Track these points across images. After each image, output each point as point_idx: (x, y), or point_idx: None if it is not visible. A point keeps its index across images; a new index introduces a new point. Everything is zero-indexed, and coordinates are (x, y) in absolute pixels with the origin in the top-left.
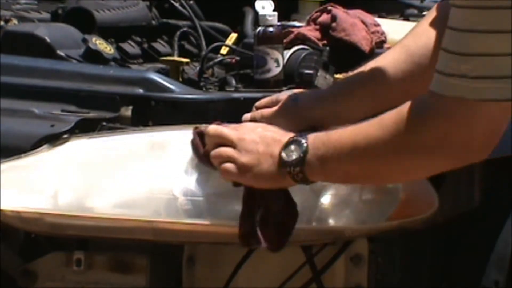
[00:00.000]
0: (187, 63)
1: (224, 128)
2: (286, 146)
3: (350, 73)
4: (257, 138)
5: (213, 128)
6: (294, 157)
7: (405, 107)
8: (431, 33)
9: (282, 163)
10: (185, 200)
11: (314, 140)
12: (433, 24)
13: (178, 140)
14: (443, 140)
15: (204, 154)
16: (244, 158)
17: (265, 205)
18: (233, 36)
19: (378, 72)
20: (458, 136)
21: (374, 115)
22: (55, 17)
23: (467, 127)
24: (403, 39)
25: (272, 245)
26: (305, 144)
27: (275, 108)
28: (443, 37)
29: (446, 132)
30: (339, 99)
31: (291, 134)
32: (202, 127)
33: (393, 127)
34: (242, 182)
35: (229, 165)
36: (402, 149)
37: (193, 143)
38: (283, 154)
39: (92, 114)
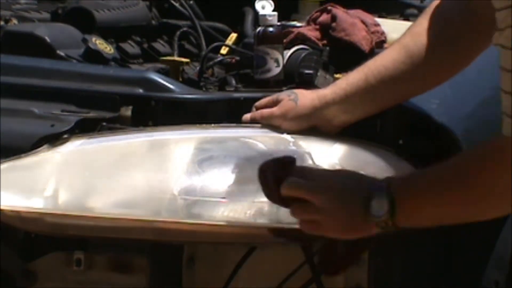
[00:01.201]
0: (187, 63)
1: (302, 183)
2: (368, 198)
3: (350, 73)
4: (337, 200)
5: (289, 184)
6: (384, 209)
7: (484, 149)
8: (431, 33)
9: (369, 219)
10: (185, 200)
11: (399, 190)
12: (431, 25)
13: (178, 140)
14: None
15: (279, 199)
16: (327, 225)
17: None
18: (233, 36)
19: (377, 72)
20: None
21: (374, 114)
22: (55, 17)
23: None
24: (402, 39)
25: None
26: (385, 192)
27: (275, 108)
28: (501, 81)
29: None
30: (339, 100)
31: (366, 179)
32: (278, 171)
33: (476, 176)
34: (325, 235)
35: (313, 224)
36: (484, 191)
37: (266, 183)
38: (369, 209)
39: (92, 114)
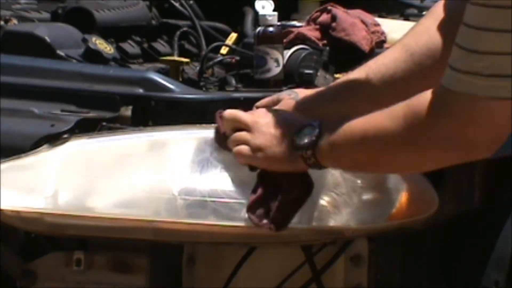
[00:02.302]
0: (187, 63)
1: (240, 112)
2: (299, 130)
3: (350, 72)
4: (271, 121)
5: (229, 112)
6: (306, 140)
7: (416, 101)
8: (432, 32)
9: (294, 146)
10: (185, 200)
11: (326, 125)
12: (442, 24)
13: (178, 140)
14: (452, 135)
15: (221, 136)
16: (257, 140)
17: (280, 188)
18: (233, 36)
19: (378, 71)
20: (467, 133)
21: None
22: (55, 17)
23: (477, 124)
24: (403, 38)
25: (277, 225)
26: (317, 129)
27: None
28: (457, 32)
29: (456, 128)
30: (339, 99)
31: (305, 119)
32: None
33: (403, 120)
34: (256, 165)
35: (243, 147)
36: (410, 142)
37: (215, 126)
38: (296, 137)
39: (92, 114)
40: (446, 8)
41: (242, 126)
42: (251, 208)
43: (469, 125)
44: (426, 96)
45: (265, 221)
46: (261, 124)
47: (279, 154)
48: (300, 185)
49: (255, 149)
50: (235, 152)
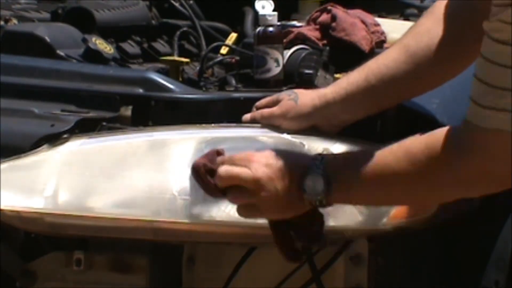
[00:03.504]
0: (187, 63)
1: (235, 169)
2: (305, 176)
3: (350, 73)
4: (273, 174)
5: (223, 171)
6: (317, 189)
7: (435, 139)
8: (433, 33)
9: (305, 198)
10: (185, 200)
11: (334, 169)
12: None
13: (178, 140)
14: (480, 173)
15: (214, 190)
16: (264, 204)
17: (293, 228)
18: (233, 36)
19: (378, 72)
20: (495, 169)
21: (374, 114)
22: (55, 17)
23: (504, 159)
24: (403, 39)
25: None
26: (324, 175)
27: (275, 108)
28: (477, 66)
29: (483, 165)
30: (339, 99)
31: (303, 162)
32: (209, 164)
33: (425, 162)
34: (263, 218)
35: (248, 209)
36: (435, 184)
37: (200, 178)
38: (305, 188)
39: (92, 114)
40: (444, 8)
41: (243, 185)
42: (289, 258)
43: (496, 161)
44: (444, 135)
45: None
46: (264, 181)
47: (287, 209)
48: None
49: (263, 210)
50: (240, 210)
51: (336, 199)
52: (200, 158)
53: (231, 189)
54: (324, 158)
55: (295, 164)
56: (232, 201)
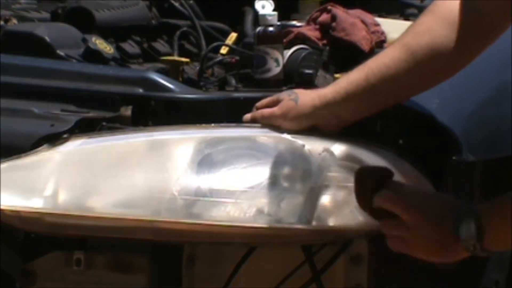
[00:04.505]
0: (187, 63)
1: (393, 196)
2: (458, 221)
3: (350, 72)
4: (427, 221)
5: (391, 197)
6: (471, 233)
7: None
8: (434, 32)
9: (458, 240)
10: (185, 200)
11: (486, 212)
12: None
13: (178, 140)
14: None
15: (369, 206)
16: (415, 244)
17: None
18: (233, 36)
19: (378, 71)
20: None
21: (374, 114)
22: (55, 17)
23: None
24: (403, 38)
25: None
26: (476, 222)
27: (275, 108)
28: None
29: None
30: (339, 99)
31: (460, 205)
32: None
33: None
34: (412, 255)
35: (399, 243)
36: None
37: (362, 188)
38: (460, 234)
39: (92, 114)
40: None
41: (396, 213)
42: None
43: None
44: None
45: None
46: (418, 226)
47: (436, 254)
48: None
49: (413, 249)
50: (391, 241)
51: (491, 244)
52: (368, 168)
53: (386, 216)
54: (477, 205)
55: (451, 209)
56: (385, 227)
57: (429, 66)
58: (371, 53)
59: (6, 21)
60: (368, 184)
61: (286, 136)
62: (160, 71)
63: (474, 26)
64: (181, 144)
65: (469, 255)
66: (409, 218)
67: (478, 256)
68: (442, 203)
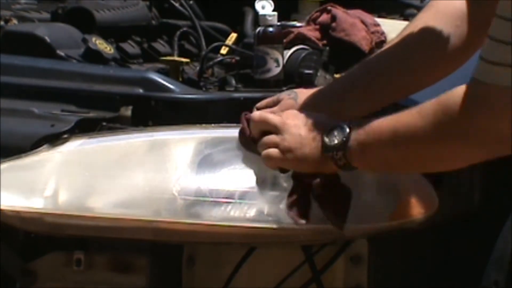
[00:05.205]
0: (187, 63)
1: (268, 114)
2: (329, 131)
3: (349, 70)
4: (300, 122)
5: (257, 114)
6: (336, 141)
7: (445, 97)
8: (433, 29)
9: (324, 147)
10: (185, 200)
11: (355, 126)
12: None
13: (178, 140)
14: (484, 129)
15: (248, 139)
16: (286, 142)
17: (314, 191)
18: (233, 36)
19: (377, 68)
20: (501, 127)
21: (375, 111)
22: (55, 17)
23: (508, 117)
24: (401, 35)
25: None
26: (347, 129)
27: (275, 108)
28: (490, 26)
29: (487, 121)
30: (339, 97)
31: (334, 120)
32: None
33: (433, 116)
34: (286, 167)
35: (272, 150)
36: (441, 138)
37: (240, 128)
38: (326, 139)
39: (92, 114)
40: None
41: (271, 129)
42: (289, 208)
43: (500, 119)
44: (456, 92)
45: (302, 221)
46: (290, 125)
47: (309, 156)
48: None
49: (285, 151)
50: (264, 155)
51: (355, 159)
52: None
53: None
54: (351, 121)
55: (324, 121)
56: (261, 145)
57: (428, 63)
58: (371, 53)
59: (6, 21)
60: (246, 121)
61: None
62: (160, 71)
63: (473, 21)
64: (181, 144)
65: (334, 170)
66: (279, 124)
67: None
68: (317, 117)
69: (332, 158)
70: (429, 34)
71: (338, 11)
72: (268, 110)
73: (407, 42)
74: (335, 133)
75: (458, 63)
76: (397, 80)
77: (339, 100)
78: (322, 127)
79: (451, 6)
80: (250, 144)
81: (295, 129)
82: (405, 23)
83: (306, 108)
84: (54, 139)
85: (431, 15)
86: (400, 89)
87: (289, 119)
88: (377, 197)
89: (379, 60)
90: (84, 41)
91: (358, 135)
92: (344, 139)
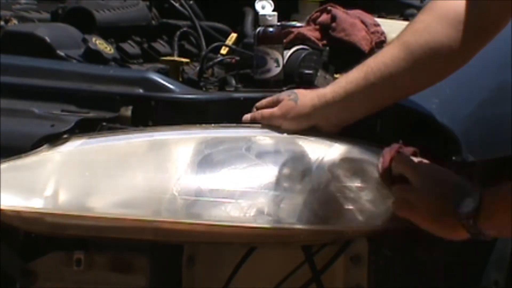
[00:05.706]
0: (187, 63)
1: (410, 162)
2: (461, 197)
3: (349, 71)
4: (436, 182)
5: (401, 161)
6: (468, 209)
7: None
8: (433, 30)
9: (457, 216)
10: (185, 200)
11: (487, 194)
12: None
13: (178, 140)
14: None
15: (385, 173)
16: (420, 202)
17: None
18: (233, 36)
19: (377, 70)
20: None
21: (374, 114)
22: (55, 17)
23: None
24: (402, 36)
25: None
26: (478, 198)
27: (275, 108)
28: None
29: None
30: (339, 98)
31: (465, 184)
32: (399, 148)
33: None
34: (414, 221)
35: (405, 202)
36: None
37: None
38: (458, 207)
39: (92, 114)
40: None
41: (409, 178)
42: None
43: None
44: None
45: None
46: (424, 183)
47: (440, 220)
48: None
49: (417, 208)
50: (397, 203)
51: (486, 223)
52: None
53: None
54: (483, 189)
55: (455, 185)
56: (395, 191)
57: (428, 64)
58: (371, 53)
59: (6, 21)
60: (389, 155)
61: (286, 136)
62: (160, 71)
63: (473, 24)
64: (181, 144)
65: (465, 237)
66: (417, 180)
67: (474, 240)
68: (452, 177)
69: (463, 226)
70: (429, 37)
71: (338, 11)
72: (268, 110)
73: (407, 45)
74: (467, 201)
75: (459, 64)
76: (398, 83)
77: (339, 102)
78: (454, 192)
79: (451, 9)
80: (387, 179)
81: (427, 196)
82: (405, 23)
83: (306, 110)
84: (54, 139)
85: (430, 17)
86: (401, 92)
87: (423, 180)
88: (377, 197)
89: (379, 63)
90: (84, 41)
91: (489, 203)
92: (476, 208)
